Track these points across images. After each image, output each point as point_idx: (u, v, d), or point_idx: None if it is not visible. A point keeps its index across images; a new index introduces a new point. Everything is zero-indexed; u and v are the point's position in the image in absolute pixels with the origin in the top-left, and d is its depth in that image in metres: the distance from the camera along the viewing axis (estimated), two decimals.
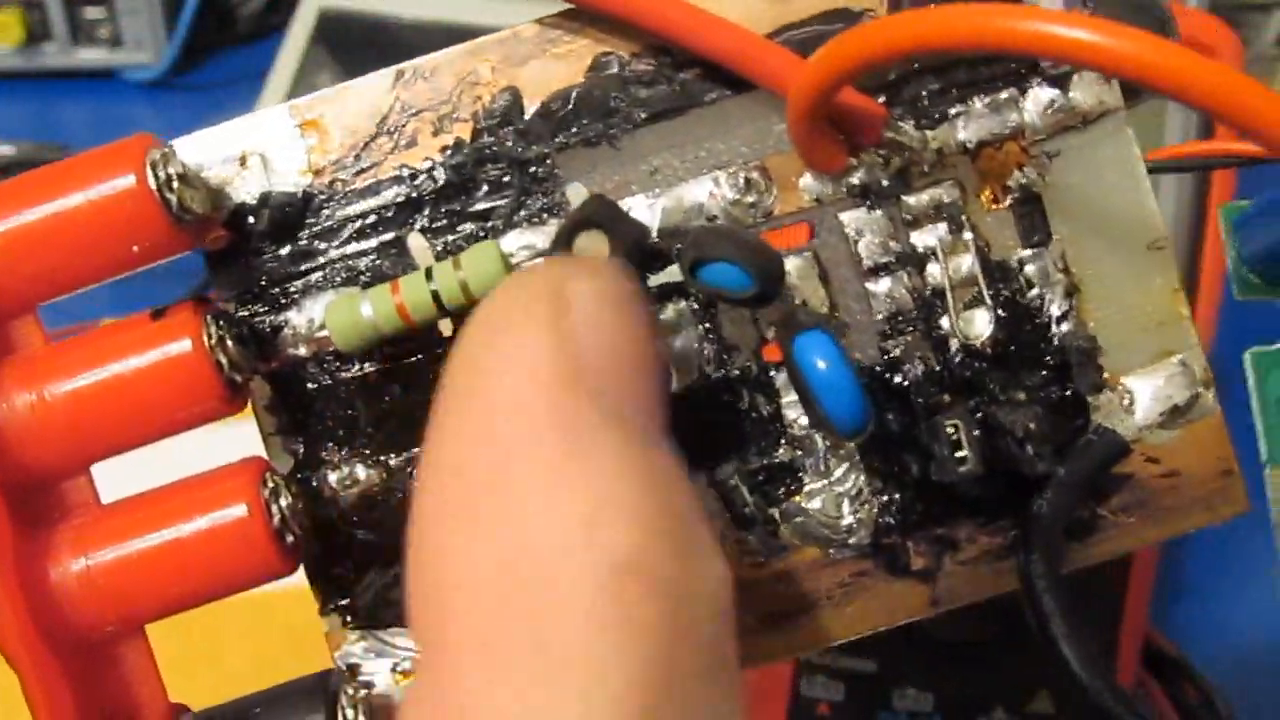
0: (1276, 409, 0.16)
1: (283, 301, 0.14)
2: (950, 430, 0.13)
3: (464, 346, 0.13)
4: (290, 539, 0.14)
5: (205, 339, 0.13)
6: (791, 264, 0.14)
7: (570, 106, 0.14)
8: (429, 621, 0.12)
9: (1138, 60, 0.11)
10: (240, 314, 0.14)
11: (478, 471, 0.12)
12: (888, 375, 0.14)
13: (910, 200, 0.14)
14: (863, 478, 0.14)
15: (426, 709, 0.12)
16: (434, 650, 0.12)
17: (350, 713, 0.14)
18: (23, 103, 0.62)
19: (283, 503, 0.14)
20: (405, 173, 0.14)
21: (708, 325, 0.13)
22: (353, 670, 0.15)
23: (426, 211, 0.14)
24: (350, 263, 0.14)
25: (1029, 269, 0.14)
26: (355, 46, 0.63)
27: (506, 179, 0.14)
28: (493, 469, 0.12)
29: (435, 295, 0.13)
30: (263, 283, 0.14)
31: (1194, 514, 0.14)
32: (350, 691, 0.14)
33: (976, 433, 0.13)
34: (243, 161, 0.14)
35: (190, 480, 0.14)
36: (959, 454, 0.13)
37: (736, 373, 0.14)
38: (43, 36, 0.68)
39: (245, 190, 0.14)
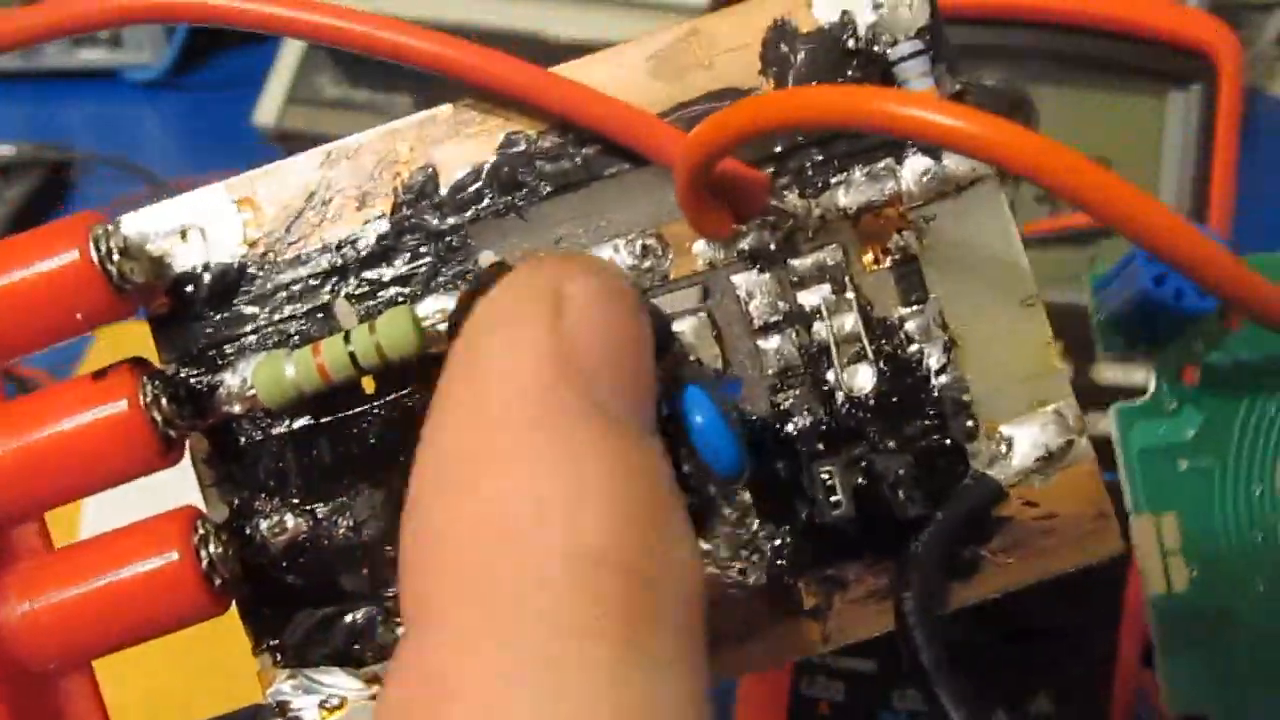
0: (1140, 460, 0.16)
1: (219, 363, 0.16)
2: (825, 476, 0.14)
3: (465, 338, 0.14)
4: (219, 582, 0.15)
5: (141, 398, 0.15)
6: (688, 323, 0.15)
7: (481, 181, 0.15)
8: (413, 590, 0.13)
9: (964, 134, 0.12)
10: (180, 374, 0.16)
11: (468, 452, 0.13)
12: (778, 426, 0.15)
13: (796, 263, 0.15)
14: (756, 523, 0.15)
15: (403, 675, 0.13)
16: (413, 622, 0.13)
17: None
18: (23, 103, 0.62)
19: (212, 549, 0.15)
20: (332, 243, 0.15)
21: None
22: (282, 707, 0.15)
23: (351, 279, 0.15)
24: (281, 326, 0.16)
25: (909, 325, 0.15)
26: None
27: (423, 249, 0.15)
28: (482, 450, 0.13)
29: (352, 356, 0.14)
30: (201, 345, 0.16)
31: (1070, 555, 0.15)
32: None
33: (853, 479, 0.14)
34: (183, 235, 0.16)
35: (129, 528, 0.15)
36: (833, 499, 0.14)
37: None
38: None
39: (186, 261, 0.16)
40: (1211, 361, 0.16)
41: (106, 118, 0.68)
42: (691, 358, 0.15)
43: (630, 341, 0.13)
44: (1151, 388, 0.17)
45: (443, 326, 0.14)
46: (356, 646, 0.15)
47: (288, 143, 0.62)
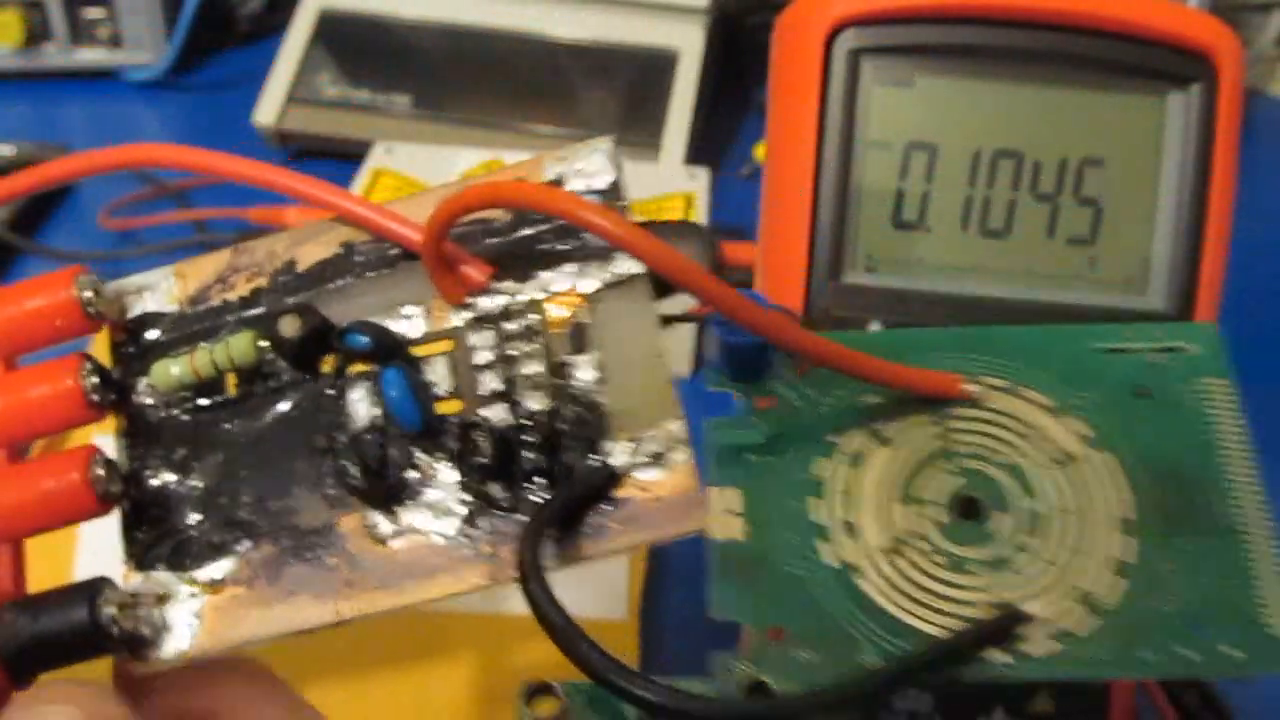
0: (720, 454, 0.22)
1: (138, 367, 0.23)
2: (480, 438, 0.21)
3: None
4: (103, 493, 0.21)
5: (81, 373, 0.22)
6: (440, 360, 0.22)
7: (324, 269, 0.23)
8: None
9: (601, 226, 0.19)
10: (115, 371, 0.23)
11: None
12: (479, 422, 0.21)
13: (508, 325, 0.22)
14: (456, 492, 0.21)
15: None
16: None
17: (110, 609, 0.20)
18: (23, 103, 0.62)
19: (99, 471, 0.21)
20: (224, 304, 0.23)
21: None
22: (134, 596, 0.21)
23: (230, 321, 0.23)
24: (186, 348, 0.23)
25: (578, 371, 0.21)
26: (355, 46, 0.63)
27: (275, 307, 0.23)
28: None
29: (213, 362, 0.22)
30: (133, 353, 0.23)
31: (671, 526, 0.20)
32: (110, 593, 0.20)
33: (500, 448, 0.21)
34: (138, 291, 0.23)
35: (44, 454, 0.23)
36: (480, 455, 0.20)
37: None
38: (43, 37, 0.68)
39: (138, 307, 0.23)
40: (782, 393, 0.23)
41: (106, 118, 0.68)
42: (437, 382, 0.22)
43: None
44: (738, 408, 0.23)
45: (264, 343, 0.22)
46: (188, 561, 0.22)
47: (287, 143, 0.63)
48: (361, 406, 0.21)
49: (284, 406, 0.22)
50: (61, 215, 0.58)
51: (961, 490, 0.20)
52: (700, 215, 0.50)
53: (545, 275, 0.21)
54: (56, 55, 0.69)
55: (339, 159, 0.61)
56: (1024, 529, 0.19)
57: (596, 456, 0.21)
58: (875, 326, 0.29)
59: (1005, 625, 0.18)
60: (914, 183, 0.30)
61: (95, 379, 0.22)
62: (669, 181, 0.53)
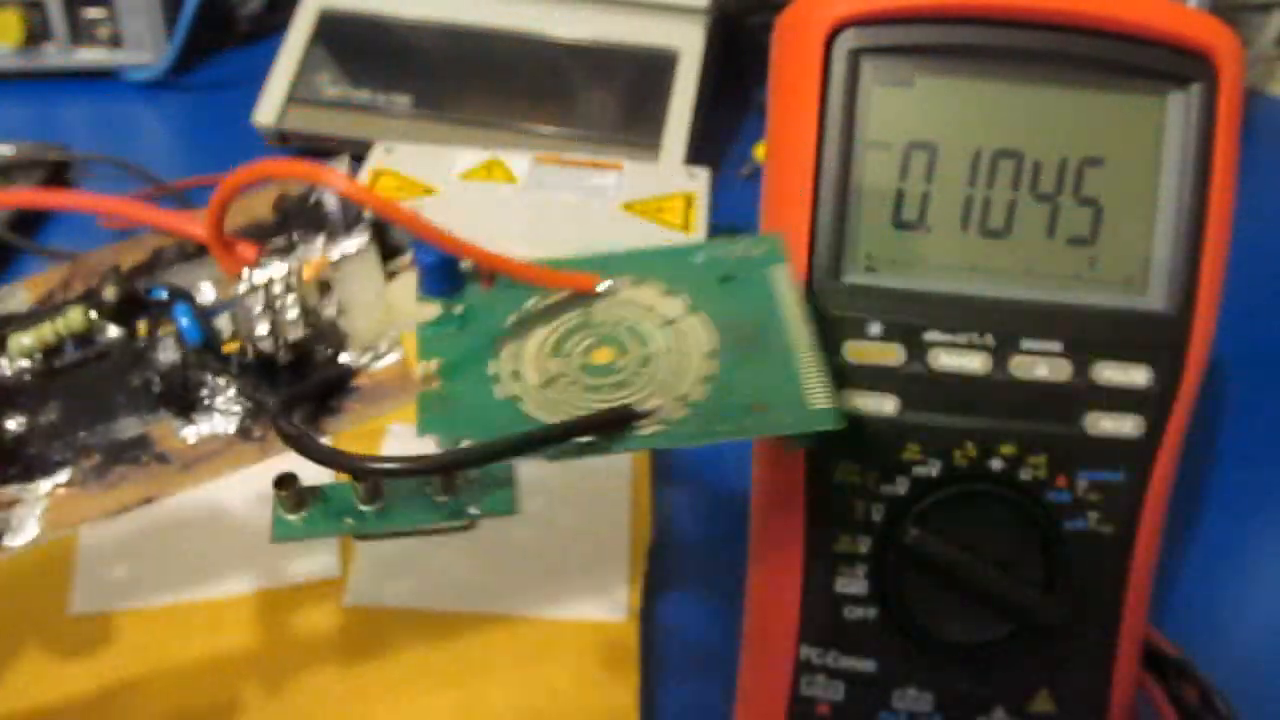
0: (429, 334, 0.28)
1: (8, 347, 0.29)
2: (249, 354, 0.27)
3: None
4: None
5: None
6: (225, 316, 0.28)
7: (141, 268, 0.29)
8: None
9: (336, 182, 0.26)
10: None
11: None
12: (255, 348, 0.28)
13: (274, 289, 0.28)
14: (235, 402, 0.27)
15: None
16: None
17: None
18: (23, 103, 0.62)
19: None
20: (64, 300, 0.29)
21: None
22: None
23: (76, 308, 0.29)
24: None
25: (325, 311, 0.28)
26: (355, 46, 0.63)
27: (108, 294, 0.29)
28: None
29: (54, 330, 0.28)
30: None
31: (392, 399, 0.27)
32: None
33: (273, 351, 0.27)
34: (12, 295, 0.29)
35: None
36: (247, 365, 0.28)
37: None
38: (43, 36, 0.68)
39: (3, 308, 0.29)
40: (471, 300, 0.28)
41: (106, 118, 0.68)
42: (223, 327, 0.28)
43: None
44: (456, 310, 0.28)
45: (92, 314, 0.28)
46: (36, 475, 0.27)
47: (287, 142, 0.63)
48: (167, 350, 0.28)
49: (107, 359, 0.28)
50: (61, 215, 0.58)
51: (595, 345, 0.27)
52: (700, 215, 0.50)
53: (302, 249, 0.28)
54: (56, 55, 0.69)
55: (338, 159, 0.61)
56: (640, 364, 0.27)
57: (336, 357, 0.27)
58: (875, 327, 0.29)
59: (623, 416, 0.25)
60: (914, 183, 0.30)
61: None
62: (669, 181, 0.53)
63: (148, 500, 0.26)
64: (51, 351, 0.28)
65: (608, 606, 0.37)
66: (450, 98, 0.61)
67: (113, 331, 0.28)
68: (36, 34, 0.68)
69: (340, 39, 0.63)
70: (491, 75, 0.61)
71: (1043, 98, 0.30)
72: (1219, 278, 0.30)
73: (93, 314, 0.28)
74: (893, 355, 0.29)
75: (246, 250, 0.28)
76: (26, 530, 0.26)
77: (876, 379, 0.29)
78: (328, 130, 0.61)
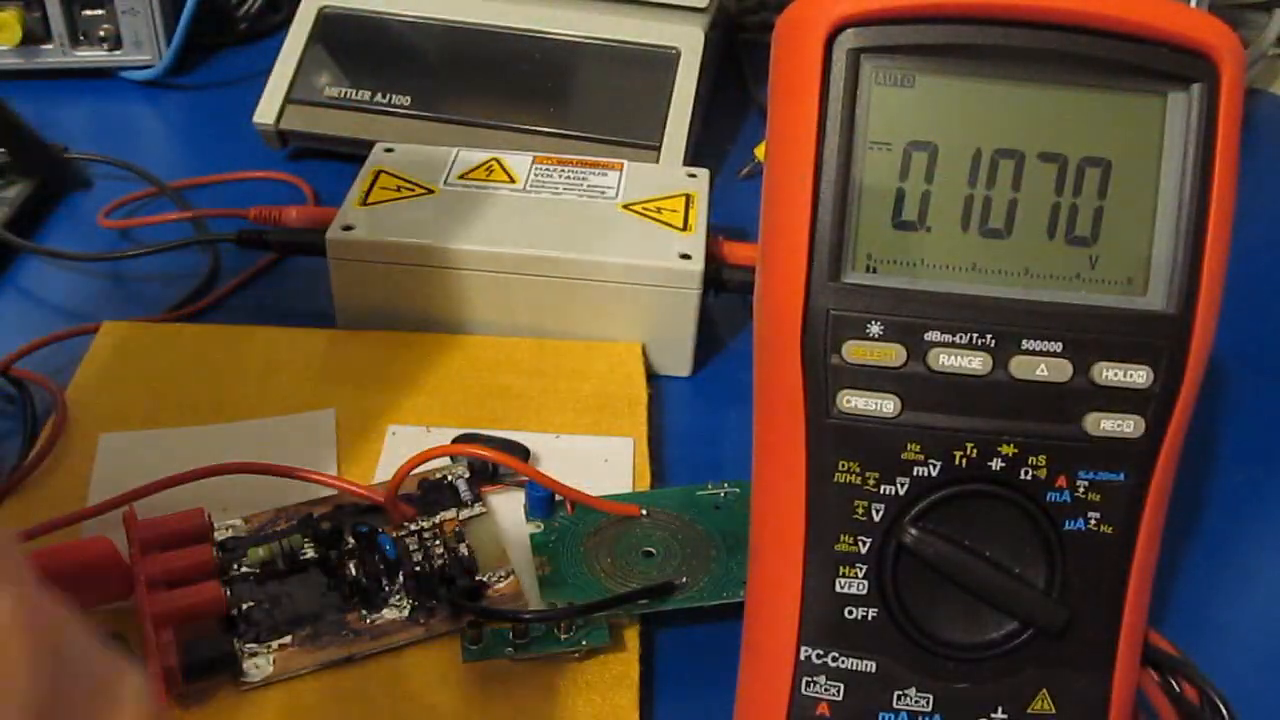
0: (536, 543, 0.40)
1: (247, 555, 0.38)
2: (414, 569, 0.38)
3: None
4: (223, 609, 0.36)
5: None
6: (400, 545, 0.39)
7: (334, 515, 0.38)
8: None
9: None
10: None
11: None
12: None
13: (425, 534, 0.40)
14: (405, 599, 0.38)
15: None
16: None
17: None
18: (23, 103, 0.62)
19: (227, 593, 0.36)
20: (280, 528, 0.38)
21: None
22: None
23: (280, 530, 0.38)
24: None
25: (460, 549, 0.39)
26: (355, 46, 0.63)
27: None
28: None
29: (277, 551, 0.38)
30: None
31: (509, 602, 0.38)
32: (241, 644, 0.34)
33: None
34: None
35: None
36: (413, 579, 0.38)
37: None
38: (42, 36, 0.68)
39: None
40: (560, 520, 0.41)
41: (106, 118, 0.68)
42: None
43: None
44: None
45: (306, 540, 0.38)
46: (264, 636, 0.36)
47: (287, 142, 0.62)
48: (354, 567, 0.38)
49: (307, 570, 0.38)
50: (61, 215, 0.58)
51: (640, 544, 0.39)
52: (700, 215, 0.50)
53: (442, 514, 0.40)
54: (56, 55, 0.69)
55: (339, 159, 0.61)
56: (671, 556, 0.39)
57: (469, 580, 0.38)
58: (875, 327, 0.29)
59: (666, 587, 0.37)
60: (914, 183, 0.30)
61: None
62: (669, 181, 0.53)
63: (348, 658, 0.35)
64: (268, 562, 0.38)
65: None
66: (450, 98, 0.61)
67: (310, 553, 0.38)
68: (36, 34, 0.68)
69: (340, 39, 0.63)
70: (491, 75, 0.61)
71: (1043, 98, 0.30)
72: (1219, 278, 0.30)
73: (306, 539, 0.39)
74: (893, 355, 0.29)
75: (407, 509, 0.40)
76: (261, 670, 0.35)
77: (876, 379, 0.29)
78: (327, 130, 0.61)
